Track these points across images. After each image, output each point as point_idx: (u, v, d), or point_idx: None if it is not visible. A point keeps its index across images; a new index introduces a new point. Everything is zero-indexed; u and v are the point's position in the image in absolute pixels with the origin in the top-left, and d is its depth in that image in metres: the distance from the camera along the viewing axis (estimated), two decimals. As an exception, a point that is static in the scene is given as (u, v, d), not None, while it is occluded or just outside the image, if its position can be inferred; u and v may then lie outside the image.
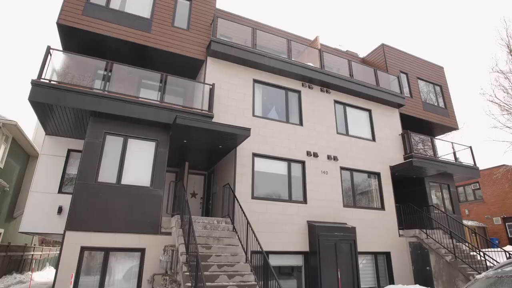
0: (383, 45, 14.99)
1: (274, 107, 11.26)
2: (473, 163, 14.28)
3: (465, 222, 19.70)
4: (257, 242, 8.87)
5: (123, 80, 9.75)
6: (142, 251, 7.85)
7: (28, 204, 9.01)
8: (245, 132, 8.74)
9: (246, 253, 7.32)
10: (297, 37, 14.04)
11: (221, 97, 10.10)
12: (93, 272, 7.48)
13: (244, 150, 9.82)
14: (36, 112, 8.31)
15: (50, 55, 8.13)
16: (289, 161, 10.53)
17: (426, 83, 15.58)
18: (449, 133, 18.25)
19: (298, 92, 11.68)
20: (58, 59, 8.70)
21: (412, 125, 14.67)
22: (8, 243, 12.39)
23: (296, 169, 10.59)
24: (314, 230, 9.65)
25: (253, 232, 7.31)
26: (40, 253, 16.93)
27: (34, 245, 16.81)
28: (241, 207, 8.13)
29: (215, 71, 10.37)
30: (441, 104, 15.69)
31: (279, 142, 10.50)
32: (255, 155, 10.00)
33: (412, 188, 13.28)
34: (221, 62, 10.58)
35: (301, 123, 11.23)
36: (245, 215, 7.89)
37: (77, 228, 7.41)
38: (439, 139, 15.08)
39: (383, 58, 14.76)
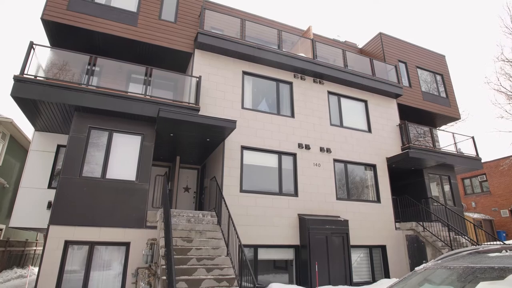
0: (380, 34, 14.58)
1: (264, 99, 11.08)
2: (475, 154, 13.83)
3: (471, 215, 19.23)
4: (243, 235, 8.85)
5: (110, 74, 9.75)
6: (127, 245, 7.84)
7: (18, 200, 9.10)
8: (230, 125, 8.60)
9: (227, 246, 7.21)
10: (290, 27, 13.77)
11: (209, 90, 9.98)
12: (78, 266, 7.51)
13: (232, 143, 9.69)
14: (21, 108, 8.33)
15: (33, 50, 8.12)
16: (280, 153, 10.36)
17: (426, 72, 15.11)
18: (452, 123, 17.77)
19: (290, 83, 11.46)
20: (44, 54, 8.69)
21: (412, 115, 14.30)
22: (7, 238, 12.62)
23: (287, 161, 10.42)
24: (305, 223, 9.49)
25: (234, 225, 7.19)
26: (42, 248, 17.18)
27: (37, 240, 17.12)
28: (224, 200, 8.03)
29: (203, 64, 10.24)
30: (442, 94, 15.21)
31: (269, 134, 10.33)
32: (244, 148, 9.87)
33: (411, 180, 12.96)
34: (209, 54, 10.44)
35: (292, 115, 11.02)
36: (227, 208, 7.78)
37: (61, 222, 7.43)
38: (440, 129, 14.68)
39: (380, 48, 14.37)
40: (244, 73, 10.82)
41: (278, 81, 11.33)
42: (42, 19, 8.91)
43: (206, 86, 9.95)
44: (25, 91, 7.68)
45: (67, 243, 7.43)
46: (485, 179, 21.24)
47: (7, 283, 11.70)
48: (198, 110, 9.18)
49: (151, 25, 10.09)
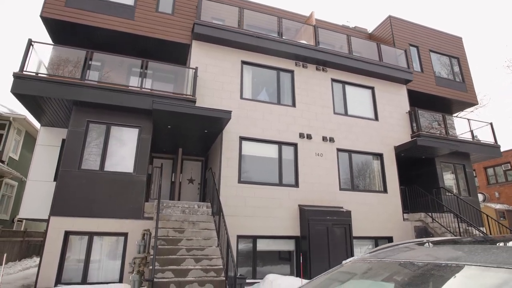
0: (390, 17, 13.91)
1: (264, 89, 10.90)
2: (493, 141, 13.03)
3: (493, 205, 18.29)
4: (242, 226, 8.84)
5: (111, 68, 9.86)
6: (125, 235, 8.00)
7: (26, 192, 9.50)
8: (225, 115, 8.52)
9: (219, 237, 7.20)
10: (293, 14, 13.40)
11: (207, 81, 9.92)
12: (78, 255, 7.76)
13: (230, 134, 9.63)
14: (23, 104, 8.62)
15: (32, 47, 8.34)
16: (280, 143, 10.19)
17: (440, 56, 14.31)
18: (472, 109, 16.84)
19: (291, 72, 11.19)
20: (43, 51, 8.92)
21: (425, 102, 13.63)
22: (25, 229, 13.27)
23: (287, 152, 10.24)
24: (304, 214, 9.33)
25: (223, 216, 7.15)
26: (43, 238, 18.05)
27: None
28: (217, 190, 8.00)
29: (200, 55, 10.17)
30: (458, 78, 14.38)
31: (269, 124, 10.17)
32: (242, 138, 9.77)
33: (422, 169, 12.42)
34: (207, 45, 10.35)
35: (293, 104, 10.78)
36: (218, 199, 7.76)
37: (61, 213, 7.67)
38: (455, 116, 13.96)
39: (390, 32, 13.72)
40: (243, 62, 10.66)
41: (278, 70, 11.09)
42: (41, 16, 9.12)
43: (204, 77, 9.89)
44: (24, 88, 7.92)
45: (68, 234, 7.68)
46: (509, 167, 20.07)
47: (26, 271, 12.35)
48: (195, 102, 9.14)
49: (148, 18, 10.10)
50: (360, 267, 1.91)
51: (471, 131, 12.81)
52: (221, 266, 6.32)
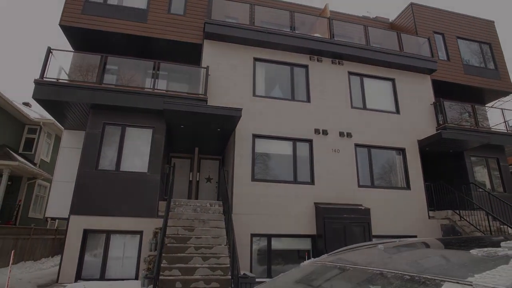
0: (411, 5, 13.18)
1: (278, 85, 10.72)
2: (532, 132, 11.96)
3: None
4: (256, 225, 8.76)
5: (127, 71, 10.12)
6: (140, 233, 8.19)
7: (52, 192, 10.02)
8: (235, 113, 8.46)
9: (228, 235, 7.15)
10: (307, 8, 13.07)
11: (219, 79, 9.92)
12: (96, 252, 8.06)
13: (243, 132, 9.55)
14: (45, 109, 9.08)
15: (52, 54, 8.75)
16: (294, 140, 9.97)
17: (469, 43, 13.35)
18: (509, 98, 15.57)
19: (305, 66, 10.91)
20: (63, 57, 9.34)
21: (453, 92, 12.79)
22: (57, 228, 14.02)
23: (302, 148, 10.00)
24: (320, 212, 9.07)
25: (231, 214, 7.09)
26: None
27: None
28: (226, 189, 7.97)
29: (212, 54, 10.19)
30: (490, 65, 13.34)
31: (283, 121, 9.98)
32: (255, 136, 9.67)
33: (450, 164, 11.66)
34: (218, 43, 10.34)
35: (308, 100, 10.51)
36: (227, 196, 7.71)
37: (80, 212, 8.00)
38: (490, 106, 12.98)
39: (412, 20, 13.00)
40: (256, 59, 10.54)
41: (292, 65, 10.85)
42: (60, 25, 9.54)
43: (216, 75, 9.89)
44: (45, 93, 8.33)
45: (86, 232, 7.99)
46: (555, 160, 18.37)
47: (57, 267, 13.06)
48: (206, 101, 9.17)
49: (161, 20, 10.27)
50: (311, 271, 1.75)
51: (505, 122, 11.85)
52: (228, 265, 6.27)
